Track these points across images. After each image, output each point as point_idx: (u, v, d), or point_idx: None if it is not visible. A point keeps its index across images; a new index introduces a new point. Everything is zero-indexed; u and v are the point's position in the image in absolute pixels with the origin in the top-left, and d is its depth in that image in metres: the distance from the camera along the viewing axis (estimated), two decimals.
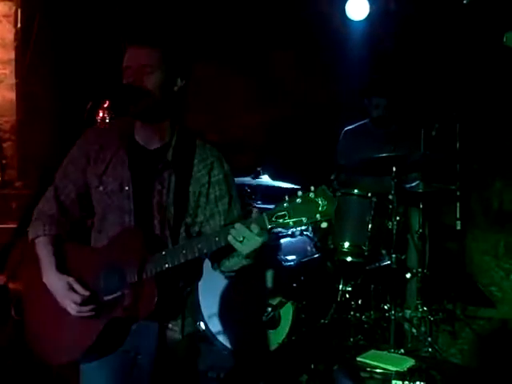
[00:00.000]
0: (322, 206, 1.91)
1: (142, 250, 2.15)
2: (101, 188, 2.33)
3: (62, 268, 2.28)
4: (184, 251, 2.11)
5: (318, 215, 1.91)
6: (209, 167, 2.32)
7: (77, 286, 2.21)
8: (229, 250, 2.17)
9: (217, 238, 2.08)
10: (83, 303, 2.19)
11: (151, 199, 2.27)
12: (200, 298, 3.99)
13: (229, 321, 4.11)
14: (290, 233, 4.48)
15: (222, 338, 4.10)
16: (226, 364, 4.02)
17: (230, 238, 2.03)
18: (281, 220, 1.96)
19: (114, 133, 2.38)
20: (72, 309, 2.21)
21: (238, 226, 2.02)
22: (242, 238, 2.01)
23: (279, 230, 4.32)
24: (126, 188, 2.29)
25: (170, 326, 2.26)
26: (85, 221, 2.45)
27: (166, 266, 2.11)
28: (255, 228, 2.00)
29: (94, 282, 2.23)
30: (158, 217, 2.26)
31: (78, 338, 2.22)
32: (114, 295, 2.18)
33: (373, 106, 4.88)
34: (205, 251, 2.11)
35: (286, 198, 1.96)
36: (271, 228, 2.00)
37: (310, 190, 1.94)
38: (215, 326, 4.11)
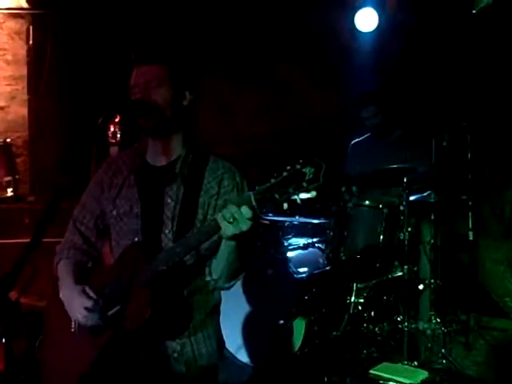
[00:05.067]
0: (309, 174, 1.82)
1: (142, 262, 2.15)
2: (114, 212, 2.37)
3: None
4: (177, 249, 2.09)
5: (304, 183, 1.82)
6: (219, 178, 2.31)
7: (89, 292, 2.19)
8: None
9: (206, 229, 2.04)
10: (93, 310, 2.15)
11: (161, 215, 2.28)
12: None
13: (248, 337, 4.08)
14: (301, 245, 4.48)
15: (241, 356, 4.08)
16: (243, 378, 4.00)
17: (219, 218, 1.96)
18: (267, 194, 1.88)
19: (126, 157, 2.44)
20: (81, 314, 2.17)
21: (230, 206, 1.95)
22: (232, 220, 1.94)
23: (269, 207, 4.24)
24: (135, 208, 2.32)
25: (175, 354, 2.24)
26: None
27: (161, 267, 2.08)
28: (243, 207, 1.92)
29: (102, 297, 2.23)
30: (165, 231, 2.26)
31: (80, 357, 2.20)
32: (115, 309, 2.17)
33: (364, 119, 4.87)
34: (196, 243, 2.07)
35: (274, 175, 1.88)
36: (258, 204, 1.91)
37: (297, 163, 1.85)
38: (234, 344, 4.08)
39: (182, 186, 2.29)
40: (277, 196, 1.86)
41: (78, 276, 2.31)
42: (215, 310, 2.41)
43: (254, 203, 1.91)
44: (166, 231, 2.26)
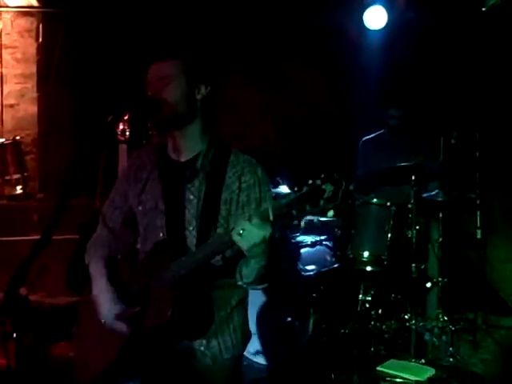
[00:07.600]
0: (328, 192, 1.77)
1: (167, 262, 2.14)
2: (140, 208, 2.36)
3: (112, 281, 2.30)
4: (198, 254, 2.08)
5: (321, 201, 1.78)
6: (239, 172, 2.27)
7: (119, 302, 2.22)
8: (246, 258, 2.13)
9: (225, 237, 2.02)
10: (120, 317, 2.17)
11: (183, 211, 2.27)
12: None
13: (256, 334, 4.08)
14: (309, 243, 4.49)
15: (248, 353, 4.08)
16: (250, 375, 4.01)
17: (232, 232, 1.95)
18: (285, 210, 1.85)
19: (150, 152, 2.43)
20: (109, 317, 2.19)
21: (239, 221, 1.95)
22: (241, 231, 1.92)
23: (286, 222, 4.27)
24: (160, 204, 2.30)
25: (201, 348, 2.23)
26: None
27: (182, 271, 2.08)
28: (255, 219, 1.90)
29: (126, 296, 2.23)
30: (189, 228, 2.25)
31: (106, 350, 2.21)
32: (139, 308, 2.16)
33: (389, 117, 4.86)
34: (216, 252, 2.07)
35: (295, 189, 1.83)
36: (275, 219, 1.87)
37: (318, 178, 1.80)
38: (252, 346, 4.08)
39: (205, 182, 2.27)
40: (294, 212, 1.83)
41: (109, 274, 2.32)
42: (242, 303, 2.37)
43: (271, 218, 1.88)
44: (191, 228, 2.24)
